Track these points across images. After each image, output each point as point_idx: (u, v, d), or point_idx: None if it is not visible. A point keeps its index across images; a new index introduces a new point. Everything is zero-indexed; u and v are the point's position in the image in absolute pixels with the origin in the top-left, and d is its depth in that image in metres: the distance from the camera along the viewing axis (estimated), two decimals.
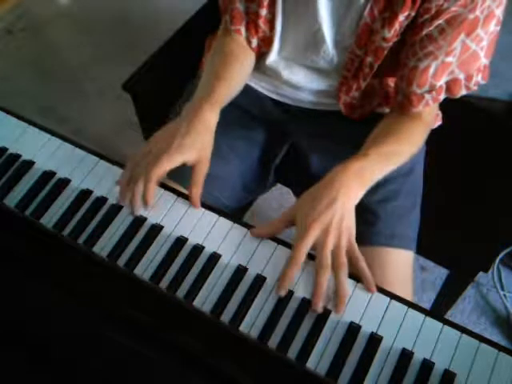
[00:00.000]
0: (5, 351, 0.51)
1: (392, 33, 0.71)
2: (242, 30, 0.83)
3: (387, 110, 0.91)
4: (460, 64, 0.71)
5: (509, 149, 1.09)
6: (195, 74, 1.00)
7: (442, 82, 0.73)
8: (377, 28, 0.72)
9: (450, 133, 0.85)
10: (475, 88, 0.75)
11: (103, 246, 0.68)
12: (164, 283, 0.65)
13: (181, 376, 0.51)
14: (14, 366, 0.51)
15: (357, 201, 0.69)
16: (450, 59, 0.70)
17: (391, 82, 0.88)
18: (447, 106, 0.85)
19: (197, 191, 0.70)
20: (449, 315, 1.36)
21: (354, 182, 0.68)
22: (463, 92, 0.75)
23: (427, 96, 0.74)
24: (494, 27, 0.69)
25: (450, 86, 0.74)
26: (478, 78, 0.74)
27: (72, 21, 2.19)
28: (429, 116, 0.79)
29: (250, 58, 0.85)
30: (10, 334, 0.52)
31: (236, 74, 0.81)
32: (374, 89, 0.86)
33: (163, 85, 1.18)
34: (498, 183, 1.05)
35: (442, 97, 0.75)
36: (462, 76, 0.73)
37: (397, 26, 0.71)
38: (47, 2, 2.29)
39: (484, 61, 0.72)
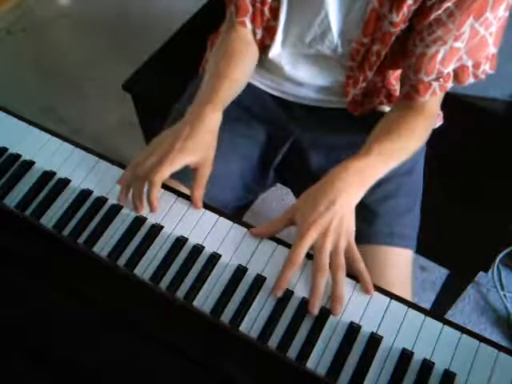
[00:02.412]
0: (5, 351, 0.51)
1: (400, 17, 0.71)
2: (247, 21, 0.82)
3: (388, 109, 0.91)
4: (468, 50, 0.71)
5: (509, 149, 1.10)
6: (196, 73, 1.00)
7: (449, 69, 0.73)
8: (385, 13, 0.72)
9: (450, 133, 0.85)
10: (483, 77, 0.74)
11: (103, 246, 0.68)
12: (164, 283, 0.65)
13: (181, 376, 0.51)
14: (13, 366, 0.51)
15: (357, 201, 0.69)
16: (458, 44, 0.70)
17: (394, 80, 0.88)
18: (447, 106, 0.85)
19: (199, 194, 0.70)
20: (449, 315, 1.36)
21: (355, 182, 0.68)
22: (471, 80, 0.74)
23: (434, 84, 0.74)
24: (503, 12, 0.68)
25: (457, 73, 0.73)
26: (486, 67, 0.73)
27: (72, 21, 2.19)
28: (433, 108, 0.78)
29: (253, 55, 0.85)
30: (9, 334, 0.52)
31: (239, 73, 0.81)
32: (376, 87, 0.86)
33: (163, 85, 1.18)
34: (498, 183, 1.06)
35: (450, 85, 0.75)
36: (469, 63, 0.72)
37: (405, 9, 0.70)
38: (47, 2, 2.29)
39: (492, 49, 0.72)
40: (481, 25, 0.68)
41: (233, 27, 0.83)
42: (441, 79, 0.73)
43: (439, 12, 0.68)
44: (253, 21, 0.82)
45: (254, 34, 0.83)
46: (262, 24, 0.82)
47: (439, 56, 0.71)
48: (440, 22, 0.69)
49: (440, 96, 0.78)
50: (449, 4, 0.67)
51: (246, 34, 0.83)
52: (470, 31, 0.68)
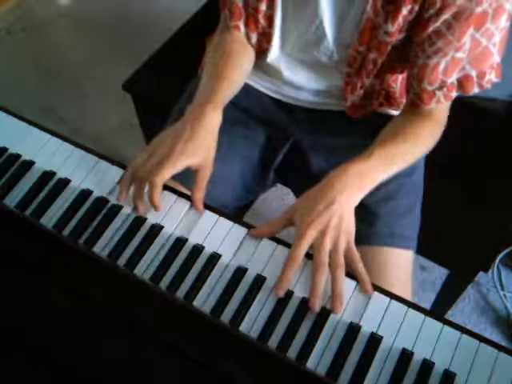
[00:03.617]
0: (5, 351, 0.51)
1: (395, 27, 0.71)
2: (241, 25, 0.82)
3: (389, 111, 0.91)
4: (471, 60, 0.70)
5: (509, 149, 1.09)
6: (195, 74, 1.00)
7: (453, 78, 0.72)
8: (380, 23, 0.72)
9: (450, 133, 0.85)
10: (489, 86, 0.74)
11: (103, 246, 0.68)
12: (164, 283, 0.65)
13: (181, 376, 0.51)
14: (13, 366, 0.51)
15: (357, 202, 0.68)
16: (460, 55, 0.69)
17: (393, 82, 0.88)
18: None
19: (200, 196, 0.70)
20: (449, 315, 1.36)
21: (354, 185, 0.68)
22: (476, 90, 0.74)
23: (438, 93, 0.74)
24: (504, 23, 0.67)
25: (462, 82, 0.73)
26: (492, 76, 0.73)
27: (72, 21, 2.19)
28: (440, 115, 0.78)
29: (249, 55, 0.85)
30: (9, 334, 0.52)
31: (237, 73, 0.81)
32: (375, 90, 0.86)
33: (163, 85, 1.18)
34: (498, 183, 1.06)
35: (454, 94, 0.75)
36: (473, 73, 0.72)
37: (400, 20, 0.70)
38: (47, 2, 2.29)
39: (497, 58, 0.71)
40: (482, 35, 0.68)
41: (228, 30, 0.84)
42: (444, 88, 0.73)
43: (437, 24, 0.68)
44: (246, 25, 0.82)
45: (249, 37, 0.84)
46: (258, 30, 0.82)
47: (441, 66, 0.71)
48: (440, 34, 0.69)
49: (446, 104, 0.77)
50: (446, 16, 0.66)
51: (241, 36, 0.84)
52: (472, 42, 0.68)
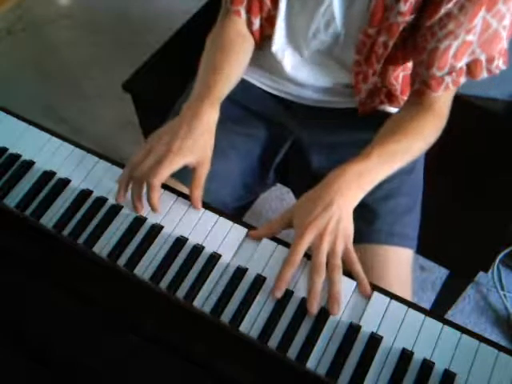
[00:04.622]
0: (5, 351, 0.51)
1: (407, 6, 0.69)
2: (242, 11, 0.81)
3: (390, 108, 0.91)
4: (481, 44, 0.69)
5: (509, 148, 1.09)
6: (195, 74, 1.00)
7: (462, 63, 0.71)
8: (391, 3, 0.71)
9: (450, 132, 0.85)
10: (497, 72, 0.73)
11: (103, 246, 0.68)
12: (164, 283, 0.65)
13: (180, 376, 0.51)
14: (13, 366, 0.51)
15: (355, 204, 0.68)
16: (470, 37, 0.69)
17: (394, 80, 0.88)
18: None
19: (198, 193, 0.70)
20: (449, 315, 1.36)
21: (353, 186, 0.68)
22: (484, 74, 0.73)
23: (447, 78, 0.73)
24: None
25: (470, 67, 0.72)
26: (500, 62, 0.72)
27: (72, 21, 2.19)
28: (443, 107, 0.77)
29: (248, 46, 0.84)
30: (10, 333, 0.52)
31: (234, 68, 0.80)
32: (377, 87, 0.86)
33: (163, 85, 1.18)
34: (498, 183, 1.06)
35: (463, 80, 0.73)
36: (483, 57, 0.71)
37: None
38: (47, 2, 2.29)
39: (506, 43, 0.70)
40: (493, 17, 0.67)
41: (228, 16, 0.82)
42: (453, 74, 0.72)
43: (449, 6, 0.67)
44: (248, 11, 0.81)
45: (250, 23, 0.82)
46: (262, 14, 0.81)
47: (451, 50, 0.70)
48: (451, 16, 0.67)
49: (451, 93, 0.76)
50: None
51: (241, 24, 0.82)
52: (482, 23, 0.67)
